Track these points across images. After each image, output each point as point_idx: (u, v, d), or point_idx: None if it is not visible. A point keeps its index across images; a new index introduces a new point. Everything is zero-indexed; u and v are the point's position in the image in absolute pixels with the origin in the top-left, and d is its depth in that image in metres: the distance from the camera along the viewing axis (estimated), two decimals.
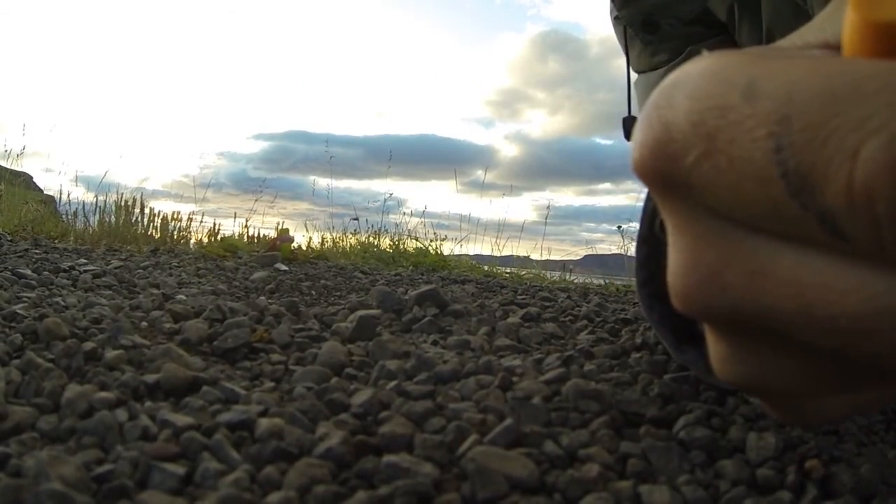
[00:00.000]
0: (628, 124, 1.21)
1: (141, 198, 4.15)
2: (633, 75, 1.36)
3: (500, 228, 5.35)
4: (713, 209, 0.22)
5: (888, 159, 0.17)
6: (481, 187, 6.02)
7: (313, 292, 1.72)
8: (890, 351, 0.20)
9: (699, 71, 0.22)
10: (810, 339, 0.21)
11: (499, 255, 5.13)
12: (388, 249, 4.19)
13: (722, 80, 0.21)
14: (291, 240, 3.17)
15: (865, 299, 0.20)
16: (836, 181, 0.18)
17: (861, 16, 0.21)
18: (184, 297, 1.36)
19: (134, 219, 3.97)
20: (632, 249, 4.59)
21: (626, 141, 1.27)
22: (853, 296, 0.20)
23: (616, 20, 1.27)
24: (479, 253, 5.21)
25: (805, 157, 0.19)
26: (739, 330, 0.24)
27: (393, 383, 0.76)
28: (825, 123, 0.19)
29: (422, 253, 3.94)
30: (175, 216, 4.31)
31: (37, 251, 2.22)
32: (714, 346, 0.27)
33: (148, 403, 0.66)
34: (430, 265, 3.48)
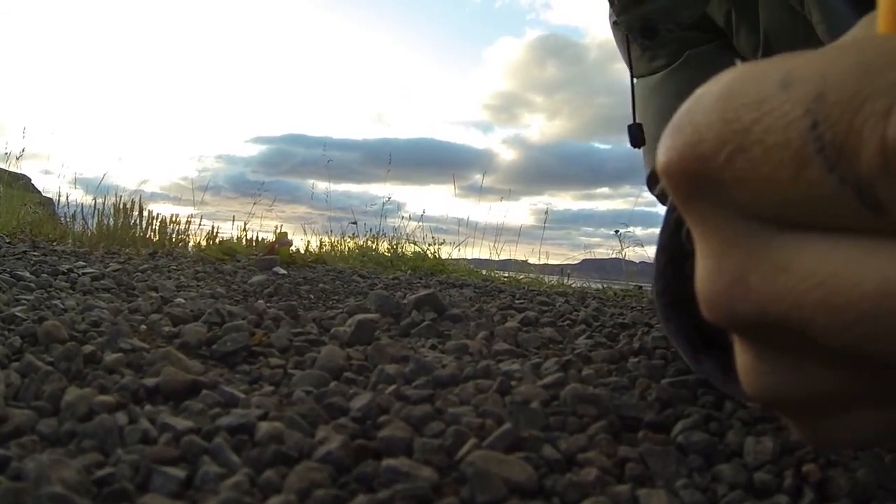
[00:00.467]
0: (634, 131, 1.22)
1: (139, 200, 4.14)
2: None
3: (499, 232, 5.35)
4: (743, 208, 0.22)
5: None
6: (479, 191, 6.02)
7: (312, 296, 1.72)
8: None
9: (733, 75, 0.22)
10: (832, 336, 0.21)
11: (497, 259, 5.13)
12: (386, 253, 4.19)
13: (757, 77, 0.22)
14: (290, 243, 3.17)
15: (888, 275, 0.20)
16: (871, 143, 0.19)
17: None
18: (182, 300, 1.36)
19: (132, 221, 3.96)
20: (629, 254, 4.59)
21: (632, 148, 1.28)
22: (876, 274, 0.20)
23: (615, 25, 1.27)
24: (477, 257, 5.20)
25: (840, 126, 0.19)
26: (765, 338, 0.24)
27: (392, 387, 0.76)
28: (858, 92, 0.19)
29: (420, 257, 3.94)
30: (173, 219, 4.31)
31: (35, 253, 2.22)
32: (741, 358, 0.27)
33: (148, 407, 0.66)
34: (429, 269, 3.48)
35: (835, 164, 0.20)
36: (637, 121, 1.22)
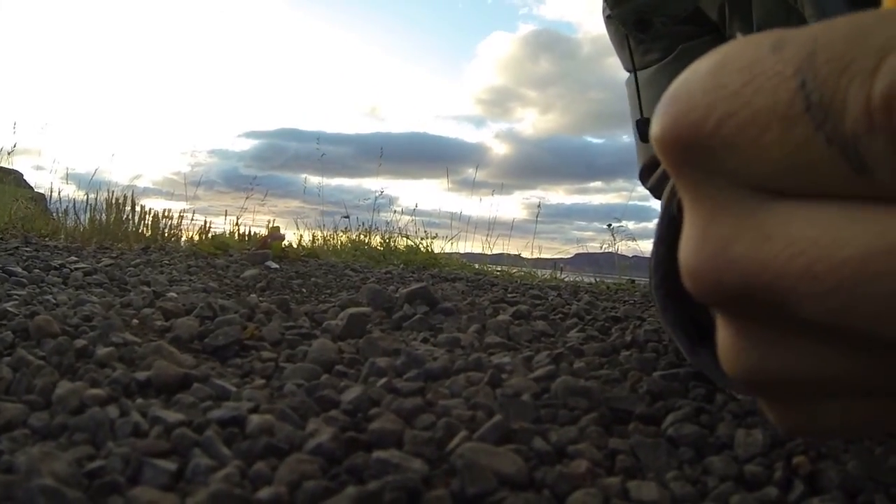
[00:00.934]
0: (642, 127, 1.22)
1: (132, 195, 4.14)
2: (626, 75, 1.37)
3: (491, 227, 5.34)
4: (732, 174, 0.23)
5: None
6: (472, 185, 6.01)
7: (304, 290, 1.72)
8: (888, 309, 0.20)
9: (729, 45, 0.23)
10: (813, 307, 0.21)
11: (489, 253, 5.13)
12: (378, 247, 4.18)
13: (750, 44, 0.22)
14: (282, 238, 3.16)
15: (871, 239, 0.20)
16: (857, 101, 0.19)
17: None
18: (175, 294, 1.35)
19: (125, 216, 3.96)
20: (622, 248, 4.59)
21: (641, 142, 1.28)
22: (858, 239, 0.20)
23: (608, 19, 1.27)
24: (469, 251, 5.20)
25: (828, 85, 0.19)
26: (748, 312, 0.24)
27: (383, 380, 0.76)
28: (848, 52, 0.19)
29: (412, 251, 3.93)
30: (166, 214, 4.31)
31: (27, 249, 2.21)
32: (722, 334, 0.27)
33: (139, 400, 0.66)
34: (421, 263, 3.48)
35: (821, 123, 0.20)
36: (645, 115, 1.22)
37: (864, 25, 0.19)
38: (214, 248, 2.83)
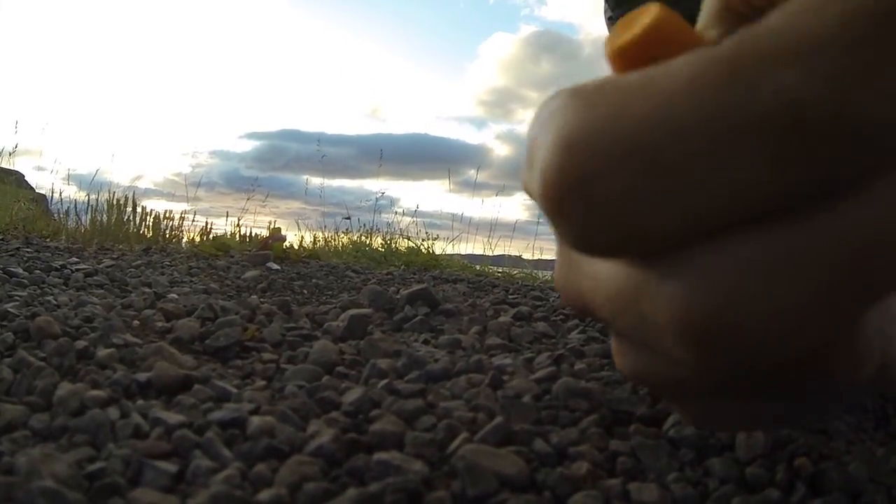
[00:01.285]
0: None
1: (133, 196, 4.15)
2: None
3: (492, 228, 5.34)
4: None
5: (543, 168, 0.21)
6: (473, 187, 6.01)
7: (305, 291, 1.72)
8: (636, 332, 0.23)
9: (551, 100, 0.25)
10: (616, 328, 0.25)
11: (490, 254, 5.13)
12: (379, 248, 4.18)
13: (538, 109, 0.24)
14: (283, 239, 3.16)
15: (619, 283, 0.23)
16: (538, 193, 0.22)
17: (608, 46, 0.24)
18: (176, 295, 1.35)
19: (126, 217, 3.96)
20: None
21: None
22: (612, 281, 0.23)
23: (610, 21, 1.27)
24: (470, 252, 5.20)
25: (530, 172, 0.22)
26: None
27: (384, 382, 0.76)
28: (534, 143, 0.22)
29: (413, 252, 3.93)
30: (167, 215, 4.32)
31: (28, 250, 2.21)
32: (612, 339, 0.30)
33: (140, 401, 0.66)
34: (422, 264, 3.47)
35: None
36: None
37: (541, 119, 0.22)
38: (215, 250, 2.83)
